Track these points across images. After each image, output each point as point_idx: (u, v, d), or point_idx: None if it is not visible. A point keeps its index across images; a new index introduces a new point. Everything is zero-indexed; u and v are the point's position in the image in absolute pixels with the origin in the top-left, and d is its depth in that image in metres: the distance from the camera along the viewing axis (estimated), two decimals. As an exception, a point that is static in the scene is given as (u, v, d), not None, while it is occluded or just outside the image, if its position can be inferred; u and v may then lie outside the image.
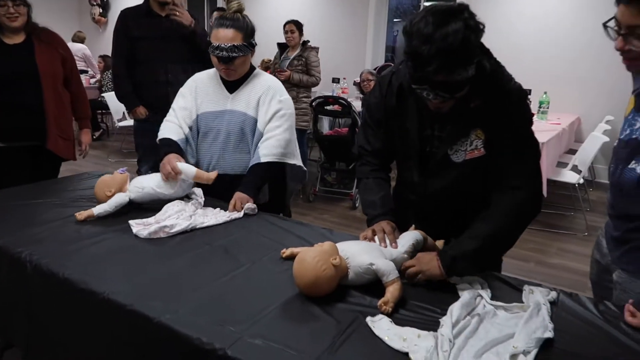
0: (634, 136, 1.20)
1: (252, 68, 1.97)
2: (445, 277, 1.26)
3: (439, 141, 1.38)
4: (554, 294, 1.23)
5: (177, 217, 1.65)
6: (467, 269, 1.28)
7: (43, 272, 1.32)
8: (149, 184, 1.77)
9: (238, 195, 1.79)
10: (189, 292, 1.22)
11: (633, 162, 1.19)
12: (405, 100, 1.40)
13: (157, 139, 1.95)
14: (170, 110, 2.00)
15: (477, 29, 1.14)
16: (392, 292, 1.18)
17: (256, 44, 1.89)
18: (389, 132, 1.49)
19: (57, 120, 2.46)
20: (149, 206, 1.76)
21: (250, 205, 1.77)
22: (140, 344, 1.14)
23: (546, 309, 1.15)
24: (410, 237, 1.39)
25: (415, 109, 1.38)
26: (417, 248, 1.37)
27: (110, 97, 5.93)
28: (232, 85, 1.93)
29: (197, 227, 1.64)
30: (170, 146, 1.88)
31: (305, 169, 2.09)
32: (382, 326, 1.07)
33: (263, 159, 1.85)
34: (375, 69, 6.02)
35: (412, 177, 1.48)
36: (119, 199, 1.71)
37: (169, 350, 1.08)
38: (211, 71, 1.99)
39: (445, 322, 1.07)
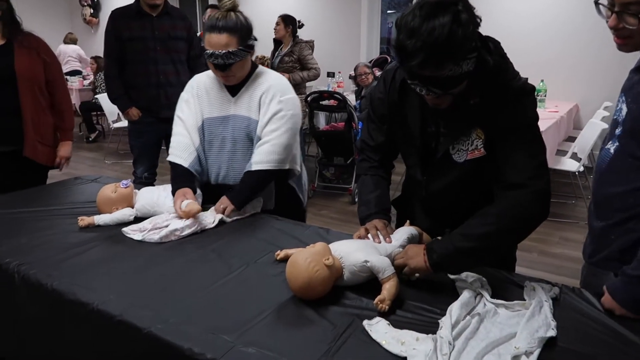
0: (614, 117, 1.18)
1: (255, 66, 1.81)
2: (431, 271, 1.22)
3: (443, 137, 1.34)
4: (556, 290, 1.20)
5: (183, 220, 1.60)
6: (455, 267, 1.24)
7: (31, 283, 1.28)
8: (161, 208, 1.67)
9: (224, 200, 1.70)
10: (181, 299, 1.18)
11: (609, 142, 1.17)
12: (407, 96, 1.35)
13: (168, 158, 1.81)
14: (177, 120, 1.84)
15: (470, 22, 1.08)
16: (388, 289, 1.14)
17: (255, 41, 1.74)
18: (393, 128, 1.45)
19: (35, 126, 2.35)
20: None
21: (231, 217, 1.69)
22: (130, 355, 1.11)
23: (548, 305, 1.11)
24: (404, 232, 1.36)
25: (418, 105, 1.34)
26: (413, 243, 1.34)
27: (103, 99, 5.87)
28: (235, 87, 1.78)
29: (206, 227, 1.61)
30: (181, 179, 1.73)
31: (302, 175, 1.98)
32: (379, 329, 1.04)
33: (254, 167, 1.72)
34: (370, 62, 5.97)
35: (415, 174, 1.45)
36: (123, 217, 1.65)
37: (160, 361, 1.04)
38: (211, 72, 1.82)
39: (445, 323, 1.03)
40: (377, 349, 0.99)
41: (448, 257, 1.20)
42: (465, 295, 1.14)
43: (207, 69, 1.81)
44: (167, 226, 1.56)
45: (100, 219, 1.64)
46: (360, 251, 1.21)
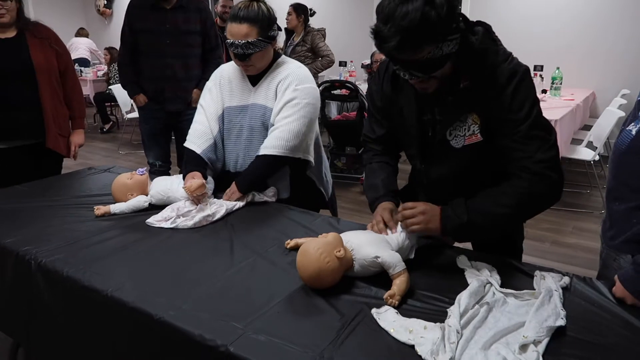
0: (639, 98, 1.16)
1: (277, 56, 1.82)
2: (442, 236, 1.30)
3: (439, 124, 1.34)
4: (566, 279, 1.19)
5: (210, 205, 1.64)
6: (466, 238, 1.33)
7: (47, 270, 1.31)
8: (175, 195, 1.69)
9: (232, 187, 1.73)
10: (193, 287, 1.20)
11: (632, 124, 1.16)
12: (402, 86, 1.37)
13: (185, 143, 1.85)
14: (199, 108, 1.87)
15: (444, 4, 1.09)
16: (398, 285, 1.14)
17: (278, 32, 1.74)
18: (390, 120, 1.46)
19: (55, 117, 2.39)
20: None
21: (237, 203, 1.70)
22: (142, 341, 1.13)
23: (558, 295, 1.11)
24: None
25: (412, 95, 1.35)
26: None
27: (117, 89, 5.93)
28: (256, 77, 1.80)
29: (234, 209, 1.67)
30: (192, 164, 1.76)
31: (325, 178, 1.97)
32: (387, 318, 1.04)
33: (261, 151, 1.73)
34: (383, 50, 5.92)
35: (416, 163, 1.46)
36: (138, 203, 1.68)
37: (172, 346, 1.06)
38: None
39: (453, 312, 1.04)
40: (385, 337, 1.00)
41: (461, 228, 1.25)
42: (474, 284, 1.14)
43: (222, 62, 1.82)
44: (192, 211, 1.60)
45: (116, 207, 1.67)
46: (371, 245, 1.21)
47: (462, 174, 1.37)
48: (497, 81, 1.21)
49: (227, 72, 1.87)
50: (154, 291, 1.18)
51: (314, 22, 4.56)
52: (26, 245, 1.41)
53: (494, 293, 1.14)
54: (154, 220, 1.59)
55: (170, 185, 1.74)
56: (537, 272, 1.22)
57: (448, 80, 1.24)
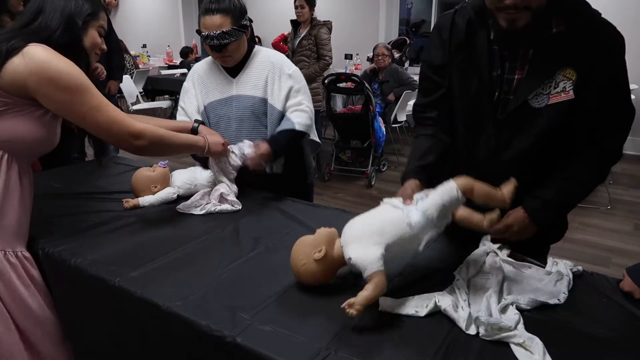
0: None
1: (252, 46, 1.85)
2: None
3: (524, 80, 1.17)
4: (580, 268, 1.21)
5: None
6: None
7: (54, 260, 1.32)
8: (202, 182, 1.73)
9: (263, 143, 1.70)
10: (200, 278, 1.20)
11: None
12: (474, 36, 1.21)
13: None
14: (180, 109, 1.91)
15: None
16: (363, 291, 0.99)
17: (250, 22, 1.77)
18: (452, 79, 1.28)
19: None
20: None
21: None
22: (149, 331, 1.14)
23: (568, 279, 1.13)
24: (437, 197, 1.06)
25: (486, 45, 1.19)
26: (452, 208, 1.06)
27: (122, 81, 5.91)
28: (234, 69, 1.82)
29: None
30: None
31: (319, 141, 2.04)
32: (387, 302, 1.05)
33: (298, 127, 1.78)
34: (389, 43, 5.89)
35: (479, 131, 1.23)
36: (167, 195, 1.69)
37: (178, 336, 1.07)
38: (209, 59, 1.88)
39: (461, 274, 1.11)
40: (392, 327, 1.00)
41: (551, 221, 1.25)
42: (480, 251, 1.20)
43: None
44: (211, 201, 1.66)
45: (145, 200, 1.67)
46: (355, 242, 1.06)
47: (542, 142, 1.18)
48: (599, 33, 1.09)
49: (202, 70, 1.89)
50: (160, 281, 1.18)
51: (320, 15, 4.51)
52: (33, 234, 1.41)
53: (502, 263, 1.16)
54: (184, 206, 1.63)
55: (194, 174, 1.76)
56: (550, 259, 1.23)
57: (541, 22, 1.08)
